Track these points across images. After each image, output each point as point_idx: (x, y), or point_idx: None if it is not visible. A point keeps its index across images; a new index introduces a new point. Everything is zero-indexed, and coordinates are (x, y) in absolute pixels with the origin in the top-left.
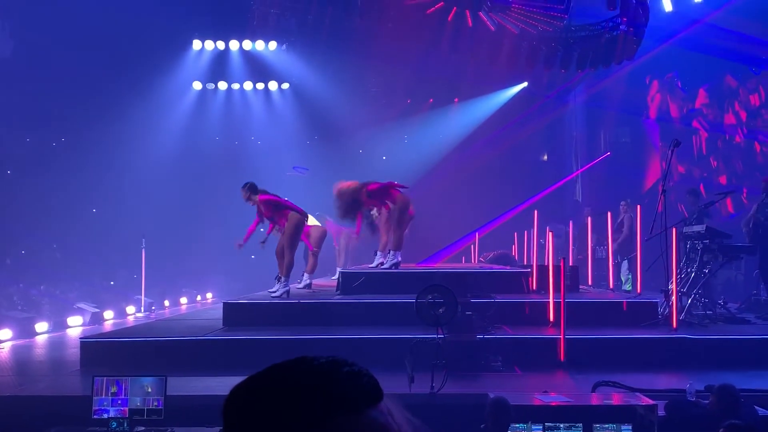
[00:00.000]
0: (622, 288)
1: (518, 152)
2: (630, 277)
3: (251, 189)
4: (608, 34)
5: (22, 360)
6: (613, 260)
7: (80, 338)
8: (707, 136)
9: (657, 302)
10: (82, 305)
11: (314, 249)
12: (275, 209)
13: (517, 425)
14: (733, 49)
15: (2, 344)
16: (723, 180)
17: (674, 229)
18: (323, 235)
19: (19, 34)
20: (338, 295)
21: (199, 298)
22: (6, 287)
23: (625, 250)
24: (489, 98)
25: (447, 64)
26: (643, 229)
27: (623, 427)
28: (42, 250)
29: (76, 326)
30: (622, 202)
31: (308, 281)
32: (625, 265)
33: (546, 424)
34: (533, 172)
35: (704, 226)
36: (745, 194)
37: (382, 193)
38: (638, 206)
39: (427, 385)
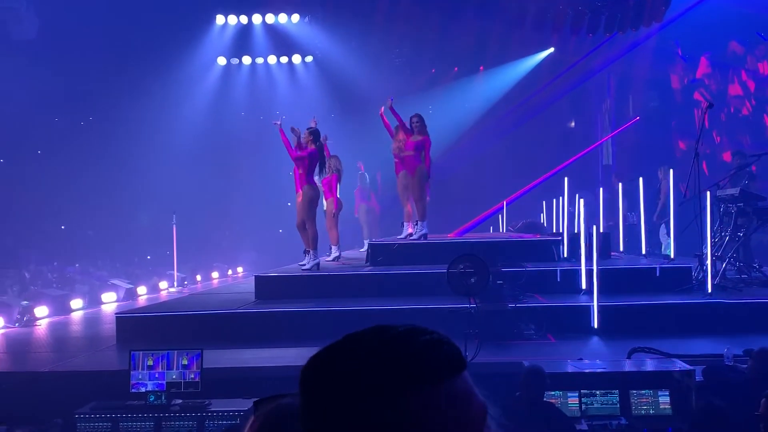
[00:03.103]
0: (662, 253)
1: (545, 119)
2: (670, 242)
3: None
4: None
5: (58, 336)
6: (657, 225)
7: (116, 314)
8: (706, 111)
9: (691, 267)
10: (116, 281)
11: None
12: (314, 167)
13: (553, 392)
14: (738, 11)
15: (39, 321)
16: (727, 157)
17: (708, 193)
18: (340, 209)
19: (44, 14)
20: (368, 266)
21: (230, 272)
22: (41, 265)
23: (663, 216)
24: (515, 65)
25: (472, 32)
26: (677, 193)
27: (660, 393)
28: (75, 228)
29: (110, 302)
30: (660, 169)
31: (337, 253)
32: (663, 230)
33: (582, 391)
34: (561, 139)
35: (738, 189)
36: None
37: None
38: (671, 170)
39: None
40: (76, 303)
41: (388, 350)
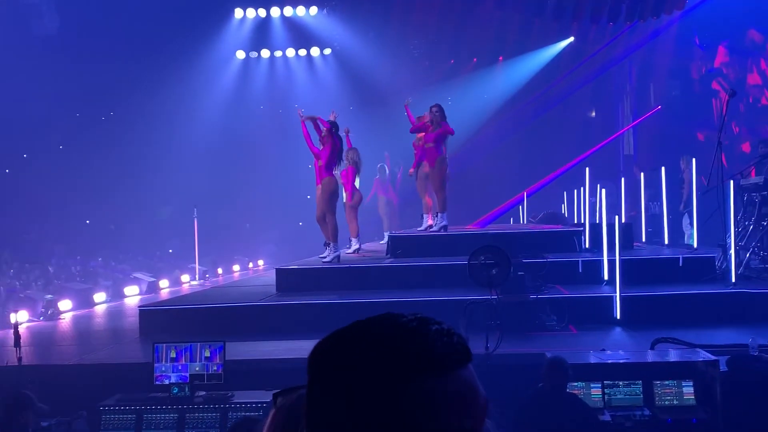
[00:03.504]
0: (685, 243)
1: (565, 109)
2: (693, 232)
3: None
4: None
5: (82, 329)
6: (680, 215)
7: (139, 307)
8: (728, 99)
9: (714, 257)
10: (138, 275)
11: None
12: (333, 159)
13: (576, 384)
14: None
15: (63, 315)
16: (746, 148)
17: (731, 182)
18: (359, 201)
19: (64, 9)
20: (388, 258)
21: (251, 265)
22: (65, 259)
23: (688, 206)
24: (534, 55)
25: (491, 22)
26: (699, 182)
27: (684, 384)
28: (97, 222)
29: (133, 296)
30: (682, 158)
31: (357, 246)
32: (686, 219)
33: (605, 382)
34: (581, 129)
35: (762, 178)
36: None
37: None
38: (693, 160)
39: (482, 346)
40: (99, 296)
41: (400, 337)
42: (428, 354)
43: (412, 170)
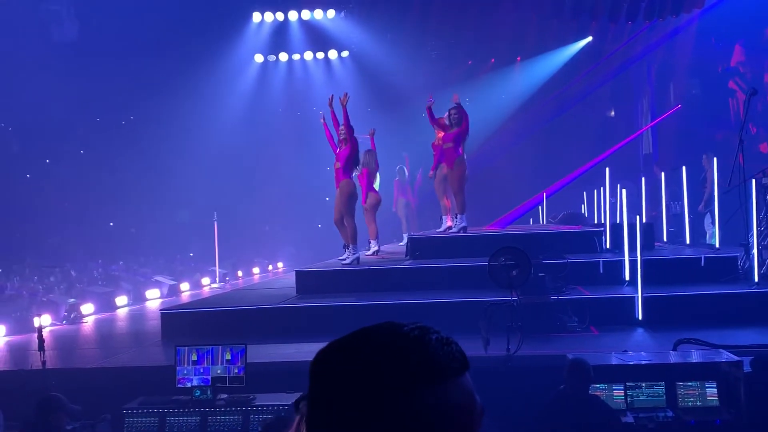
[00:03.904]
0: (707, 243)
1: (585, 109)
2: (715, 231)
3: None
4: None
5: (105, 333)
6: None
7: (160, 310)
8: (745, 98)
9: (737, 256)
10: (159, 278)
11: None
12: (351, 162)
13: (598, 385)
14: None
15: (85, 318)
16: (764, 148)
17: (753, 181)
18: (376, 203)
19: (84, 16)
20: (408, 260)
21: (270, 267)
22: (87, 263)
23: (710, 205)
24: (552, 55)
25: (508, 22)
26: (721, 181)
27: (707, 385)
28: (118, 226)
29: (154, 299)
30: (704, 157)
31: (376, 247)
32: (708, 219)
33: (627, 383)
34: (601, 128)
35: None
36: None
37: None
38: (714, 158)
39: (502, 347)
40: (121, 300)
41: (401, 346)
42: (428, 362)
43: (431, 172)
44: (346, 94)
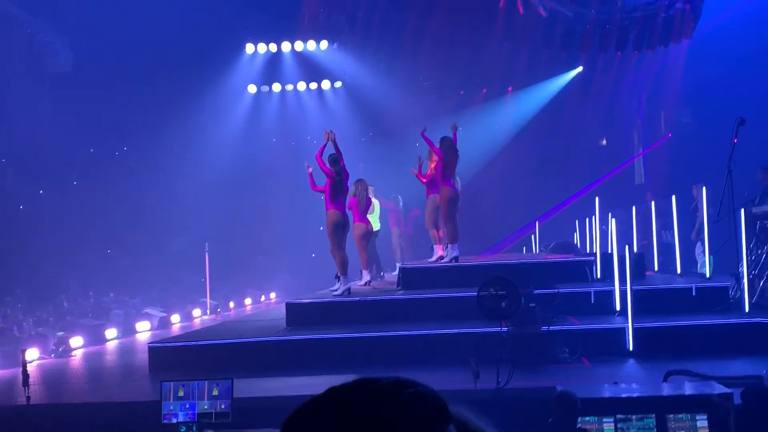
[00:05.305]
0: (698, 272)
1: (576, 138)
2: (709, 259)
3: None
4: (664, 13)
5: (93, 367)
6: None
7: (148, 344)
8: (737, 127)
9: (728, 286)
10: (149, 310)
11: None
12: (332, 191)
13: (587, 418)
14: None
15: (74, 352)
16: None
17: (742, 210)
18: (366, 233)
19: (78, 47)
20: (399, 291)
21: (263, 298)
22: (78, 294)
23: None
24: (543, 85)
25: (499, 53)
26: (710, 211)
27: (698, 417)
28: (110, 257)
29: (144, 331)
30: (694, 186)
31: (368, 278)
32: (699, 248)
33: (617, 416)
34: (592, 157)
35: None
36: None
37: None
38: (704, 188)
39: (492, 380)
40: (111, 332)
41: (374, 407)
42: (403, 422)
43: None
44: (331, 130)
